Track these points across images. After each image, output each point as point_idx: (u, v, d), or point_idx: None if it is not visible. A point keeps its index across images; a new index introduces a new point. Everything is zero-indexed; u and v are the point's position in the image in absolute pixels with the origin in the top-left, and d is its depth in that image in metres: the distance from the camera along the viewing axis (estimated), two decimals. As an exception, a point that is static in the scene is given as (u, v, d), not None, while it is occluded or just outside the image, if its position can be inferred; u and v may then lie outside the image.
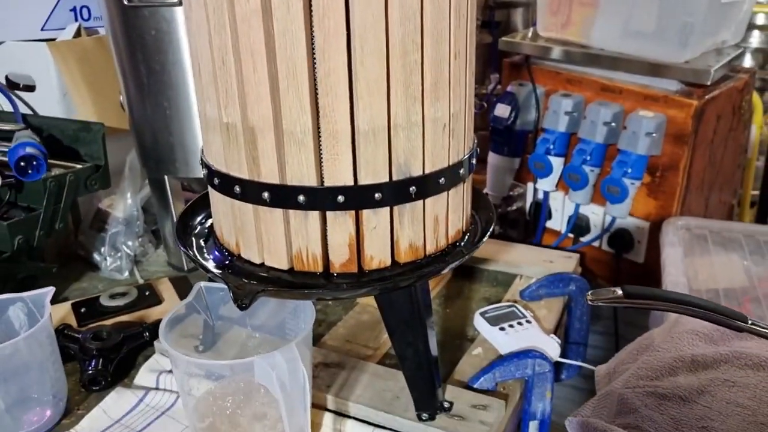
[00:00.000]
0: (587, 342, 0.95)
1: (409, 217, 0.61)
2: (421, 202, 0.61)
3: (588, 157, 1.10)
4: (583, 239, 1.21)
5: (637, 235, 1.14)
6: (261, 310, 0.77)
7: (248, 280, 0.61)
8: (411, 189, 0.60)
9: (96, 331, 0.81)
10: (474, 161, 0.68)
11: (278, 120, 0.57)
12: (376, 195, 0.58)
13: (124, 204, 1.08)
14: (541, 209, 1.23)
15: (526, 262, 0.98)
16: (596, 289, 0.52)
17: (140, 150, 1.01)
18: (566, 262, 0.97)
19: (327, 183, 0.58)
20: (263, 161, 0.58)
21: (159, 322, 0.85)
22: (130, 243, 1.07)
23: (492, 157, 1.26)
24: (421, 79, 0.57)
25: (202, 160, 0.66)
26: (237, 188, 0.61)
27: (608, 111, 1.08)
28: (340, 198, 0.58)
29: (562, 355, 0.94)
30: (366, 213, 0.60)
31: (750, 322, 0.50)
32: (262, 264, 0.63)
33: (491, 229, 0.69)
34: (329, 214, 0.59)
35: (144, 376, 0.78)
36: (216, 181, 0.63)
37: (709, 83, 1.02)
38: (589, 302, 0.51)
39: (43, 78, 1.13)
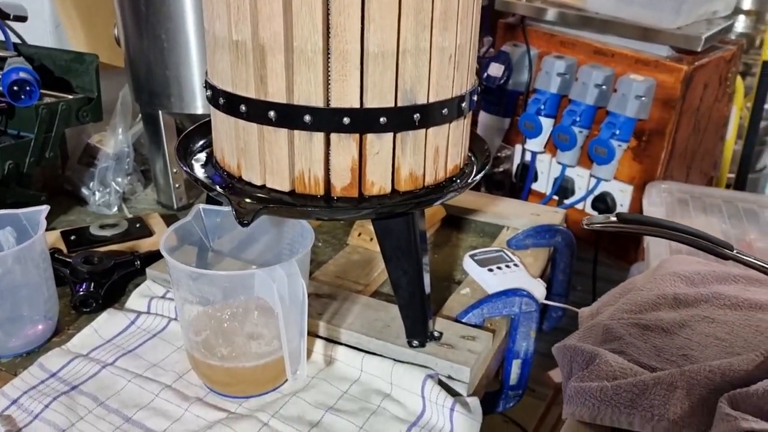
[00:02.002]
0: (568, 294, 0.98)
1: (412, 145, 0.62)
2: (423, 130, 0.63)
3: (578, 118, 1.13)
4: (567, 201, 1.23)
5: (620, 198, 1.17)
6: (258, 242, 0.77)
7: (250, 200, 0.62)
8: (415, 116, 0.61)
9: (87, 255, 0.82)
10: (475, 98, 0.69)
11: (289, 38, 0.57)
12: (381, 119, 0.60)
13: (114, 140, 1.07)
14: (528, 170, 1.25)
15: (514, 215, 1.00)
16: (591, 216, 0.54)
17: (134, 84, 1.01)
18: (553, 216, 1.00)
19: (333, 104, 0.59)
20: (271, 80, 0.59)
21: (150, 252, 0.87)
22: (119, 179, 1.07)
23: (483, 116, 1.28)
24: (432, 6, 0.58)
25: (206, 81, 0.67)
26: (243, 107, 0.61)
27: (600, 73, 1.10)
28: (346, 120, 0.59)
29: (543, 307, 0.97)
30: (370, 137, 0.61)
31: (735, 251, 0.53)
32: (263, 186, 0.64)
33: (487, 167, 0.71)
34: (333, 136, 0.60)
35: (135, 300, 0.79)
36: (221, 100, 0.64)
37: (699, 50, 1.05)
38: (585, 226, 0.52)
39: (36, 8, 1.10)
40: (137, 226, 0.95)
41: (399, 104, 0.60)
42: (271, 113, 0.60)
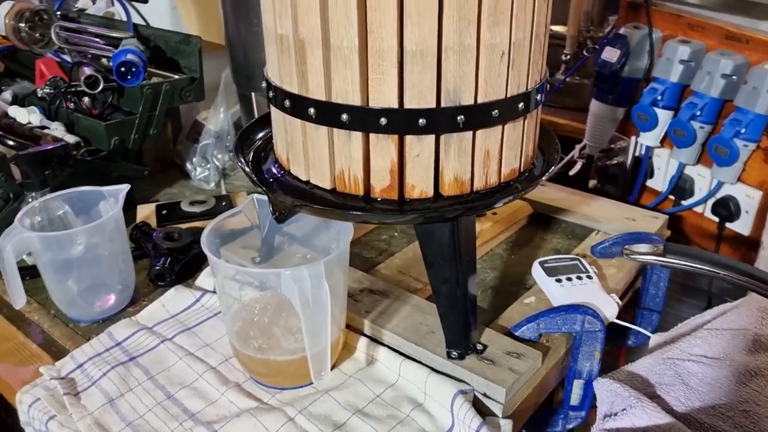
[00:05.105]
0: (662, 310, 0.88)
1: (456, 148, 0.59)
2: (470, 133, 0.58)
3: (698, 113, 1.00)
4: (685, 203, 1.11)
5: (746, 204, 1.03)
6: (326, 233, 0.77)
7: (290, 196, 0.62)
8: (459, 118, 0.57)
9: (169, 231, 0.87)
10: (540, 97, 0.63)
11: (326, 34, 0.55)
12: (420, 121, 0.56)
13: (216, 118, 1.12)
14: (641, 165, 1.14)
15: (606, 218, 0.92)
16: (638, 244, 0.48)
17: (232, 66, 1.04)
18: (650, 222, 0.90)
19: (371, 104, 0.57)
20: (311, 76, 0.58)
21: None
22: (219, 156, 1.12)
23: (594, 105, 1.17)
24: (478, 0, 0.53)
25: (264, 73, 0.67)
26: (287, 102, 0.61)
27: (729, 62, 0.96)
28: (383, 120, 0.56)
29: (633, 321, 0.89)
30: (409, 139, 0.58)
31: (811, 300, 0.44)
32: (308, 182, 0.64)
33: (550, 171, 0.65)
34: (372, 136, 0.58)
35: (204, 279, 0.83)
36: (271, 94, 0.64)
37: None
38: (624, 256, 0.46)
39: (155, -9, 1.18)
40: (224, 204, 0.99)
41: (442, 105, 0.56)
42: (311, 110, 0.59)
